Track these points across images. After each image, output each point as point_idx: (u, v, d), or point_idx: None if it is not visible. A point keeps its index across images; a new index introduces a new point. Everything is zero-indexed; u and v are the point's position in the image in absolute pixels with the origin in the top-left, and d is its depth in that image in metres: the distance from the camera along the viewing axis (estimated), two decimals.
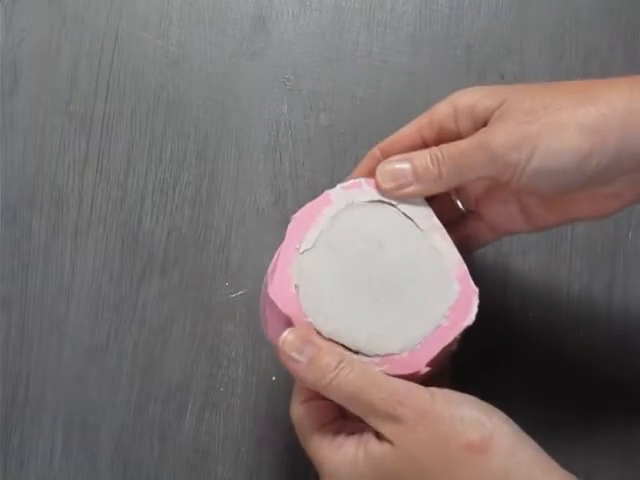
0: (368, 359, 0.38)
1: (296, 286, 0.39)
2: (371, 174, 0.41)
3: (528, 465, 0.35)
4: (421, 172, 0.40)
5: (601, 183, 0.38)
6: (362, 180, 0.41)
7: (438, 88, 0.53)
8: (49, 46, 0.54)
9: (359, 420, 0.37)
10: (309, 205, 0.41)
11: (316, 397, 0.39)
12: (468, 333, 0.40)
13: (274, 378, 0.50)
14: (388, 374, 0.38)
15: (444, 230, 0.41)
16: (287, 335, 0.38)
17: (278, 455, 0.50)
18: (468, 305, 0.39)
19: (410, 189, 0.40)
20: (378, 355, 0.38)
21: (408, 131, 0.42)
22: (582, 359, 0.50)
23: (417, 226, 0.40)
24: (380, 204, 0.41)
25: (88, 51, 0.54)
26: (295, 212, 0.40)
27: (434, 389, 0.37)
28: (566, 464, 0.36)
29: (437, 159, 0.40)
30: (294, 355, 0.37)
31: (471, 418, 0.36)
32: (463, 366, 0.43)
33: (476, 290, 0.40)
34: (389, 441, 0.36)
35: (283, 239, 0.40)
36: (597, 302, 0.51)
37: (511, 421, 0.37)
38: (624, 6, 0.54)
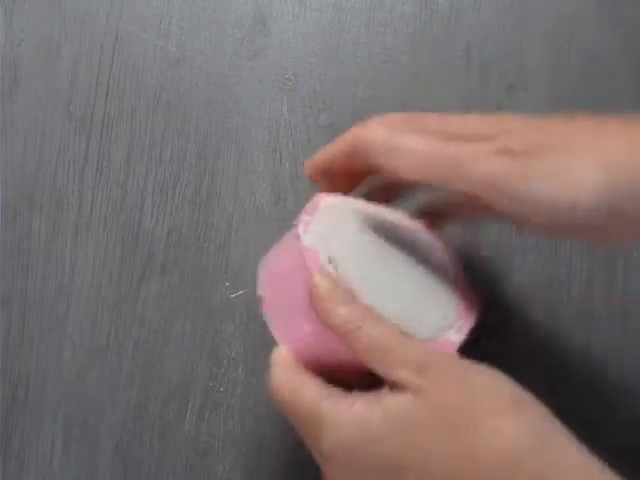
0: None
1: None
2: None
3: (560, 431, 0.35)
4: None
5: (594, 227, 0.35)
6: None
7: (438, 88, 0.53)
8: (49, 46, 0.54)
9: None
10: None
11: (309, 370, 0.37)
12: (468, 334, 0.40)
13: None
14: None
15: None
16: (318, 279, 0.36)
17: (278, 455, 0.49)
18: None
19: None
20: None
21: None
22: (582, 359, 0.50)
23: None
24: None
25: (88, 51, 0.54)
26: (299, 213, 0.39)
27: None
28: None
29: None
30: (325, 294, 0.35)
31: (501, 380, 0.35)
32: None
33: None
34: (411, 391, 0.33)
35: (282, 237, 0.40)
36: (597, 302, 0.50)
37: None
38: (624, 6, 0.54)
